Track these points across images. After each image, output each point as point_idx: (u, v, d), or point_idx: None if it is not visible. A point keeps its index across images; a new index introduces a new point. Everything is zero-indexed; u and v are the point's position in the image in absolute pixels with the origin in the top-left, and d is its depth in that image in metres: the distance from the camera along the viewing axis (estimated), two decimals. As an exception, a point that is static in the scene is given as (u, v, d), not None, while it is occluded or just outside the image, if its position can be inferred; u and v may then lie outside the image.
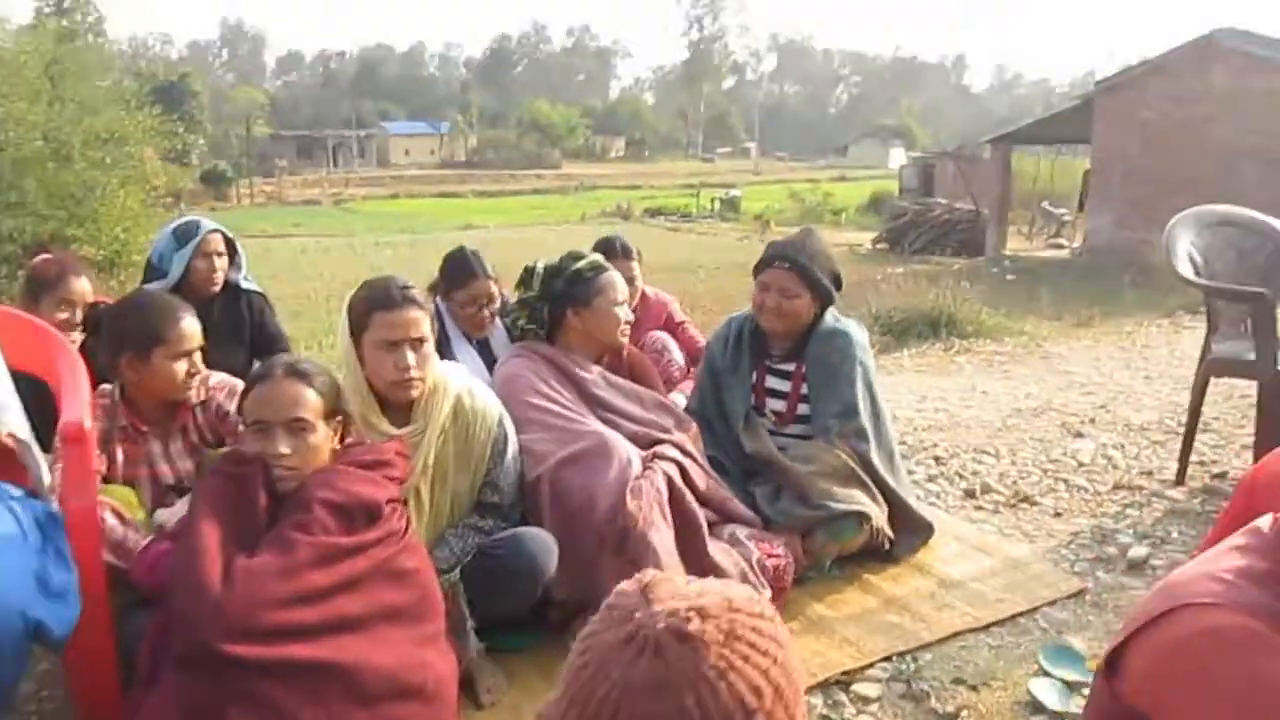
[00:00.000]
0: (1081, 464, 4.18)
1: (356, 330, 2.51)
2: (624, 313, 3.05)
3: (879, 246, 23.33)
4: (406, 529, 2.23)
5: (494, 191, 53.69)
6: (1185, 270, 3.69)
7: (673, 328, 4.18)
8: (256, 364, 3.92)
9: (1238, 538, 1.51)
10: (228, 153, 52.04)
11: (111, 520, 2.27)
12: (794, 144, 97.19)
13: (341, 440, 2.34)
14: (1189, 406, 3.91)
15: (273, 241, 28.82)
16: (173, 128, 18.04)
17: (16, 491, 2.05)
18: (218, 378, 2.74)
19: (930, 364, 6.23)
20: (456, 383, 2.64)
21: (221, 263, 3.78)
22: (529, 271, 3.11)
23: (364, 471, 2.22)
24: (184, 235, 3.71)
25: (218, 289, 3.78)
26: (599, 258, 3.13)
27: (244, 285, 3.92)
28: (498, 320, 3.92)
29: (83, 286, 3.24)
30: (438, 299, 3.79)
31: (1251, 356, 3.54)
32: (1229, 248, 3.89)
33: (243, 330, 3.87)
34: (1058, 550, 3.33)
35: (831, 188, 41.86)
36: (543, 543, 2.50)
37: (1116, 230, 18.15)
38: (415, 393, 2.52)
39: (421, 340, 2.50)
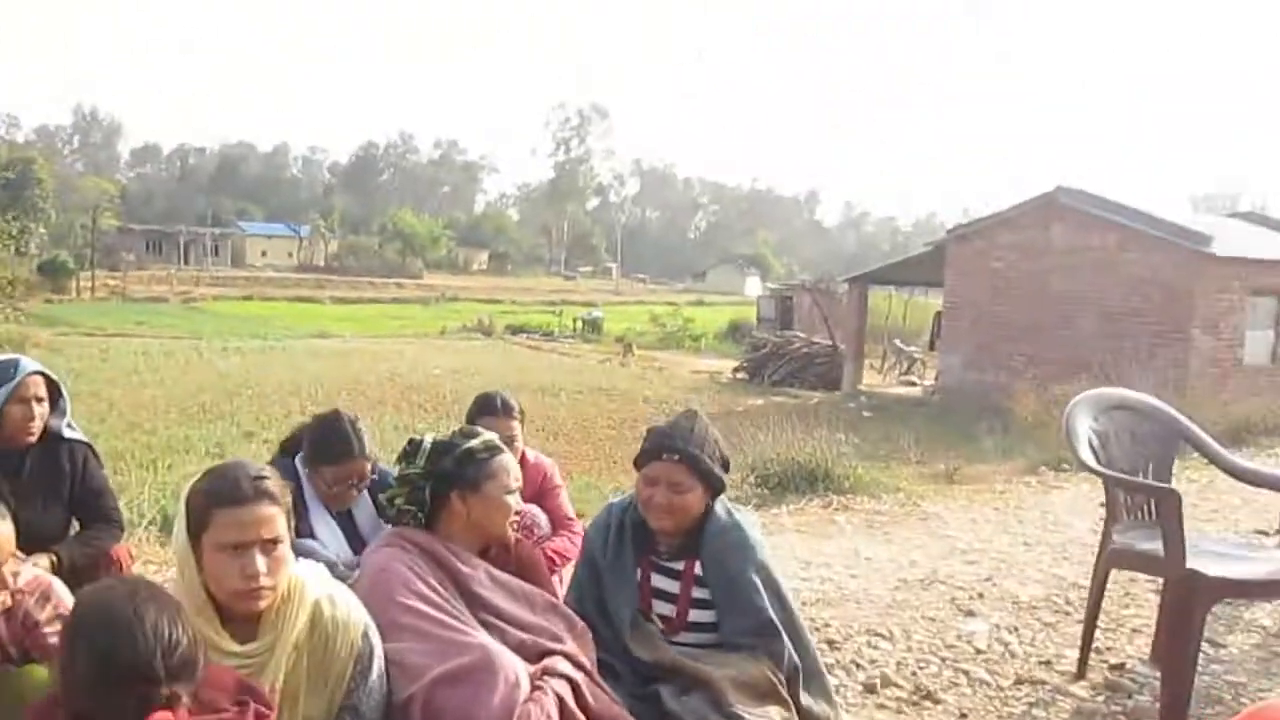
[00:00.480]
0: (979, 650, 3.99)
1: (195, 529, 2.09)
2: (515, 501, 2.69)
3: (739, 376, 23.67)
4: None
5: (352, 299, 52.69)
6: (1088, 457, 3.60)
7: (545, 492, 3.84)
8: (75, 525, 3.43)
9: None
10: (71, 243, 49.62)
11: None
12: (654, 266, 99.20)
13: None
14: (1089, 599, 3.77)
15: (112, 340, 27.34)
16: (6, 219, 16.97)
17: None
18: (27, 576, 2.28)
19: (810, 523, 6.04)
20: (314, 588, 2.24)
21: (41, 409, 3.28)
22: (414, 445, 2.73)
23: None
24: (-2, 376, 3.22)
25: (34, 439, 3.28)
26: (494, 437, 2.76)
27: (66, 434, 3.42)
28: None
29: None
30: (298, 463, 3.37)
31: (1155, 548, 3.43)
32: (1124, 431, 3.84)
33: (61, 486, 3.35)
34: (969, 762, 3.08)
35: (691, 312, 42.64)
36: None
37: (965, 371, 18.86)
38: (264, 604, 2.11)
39: (275, 541, 2.10)
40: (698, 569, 2.88)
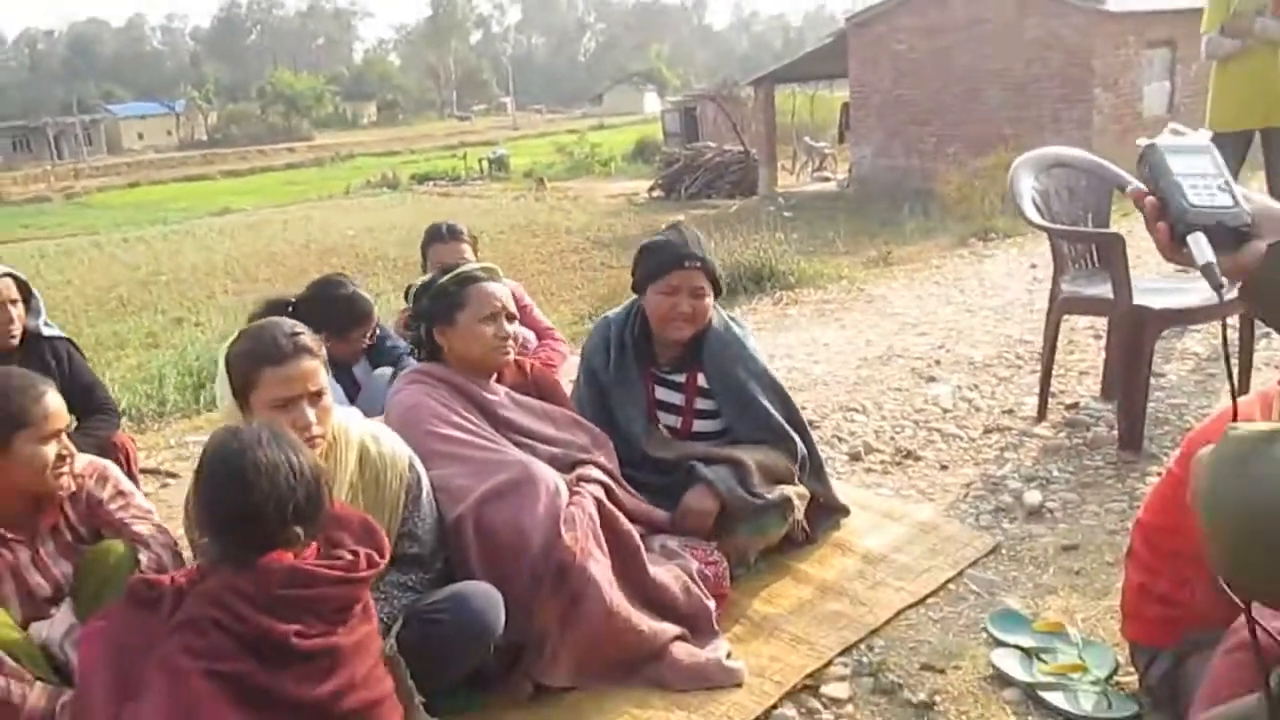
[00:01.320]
0: (946, 410, 4.28)
1: (242, 389, 2.18)
2: (499, 327, 2.70)
3: (655, 195, 23.60)
4: (348, 660, 1.84)
5: (244, 170, 50.77)
6: (1033, 214, 3.79)
7: (519, 310, 3.95)
8: (71, 420, 3.46)
9: None
10: (-72, 152, 46.63)
11: (-13, 674, 1.89)
12: (547, 96, 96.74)
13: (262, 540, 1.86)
14: (1045, 345, 4.05)
15: (3, 248, 26.13)
16: None
17: None
18: (83, 461, 2.36)
19: (765, 320, 6.27)
20: (358, 429, 2.36)
21: (17, 311, 3.26)
22: (407, 290, 2.82)
23: (271, 603, 1.78)
24: (-35, 286, 3.17)
25: (16, 341, 3.27)
26: (471, 268, 2.82)
27: (45, 332, 3.41)
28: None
29: None
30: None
31: (1101, 291, 3.68)
32: (1063, 188, 4.04)
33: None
34: (957, 506, 3.38)
35: (595, 137, 41.95)
36: (489, 598, 2.27)
37: (877, 160, 19.07)
38: (317, 451, 2.22)
39: (319, 393, 2.20)
40: (700, 380, 3.04)
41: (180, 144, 66.79)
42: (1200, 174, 1.21)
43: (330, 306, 3.37)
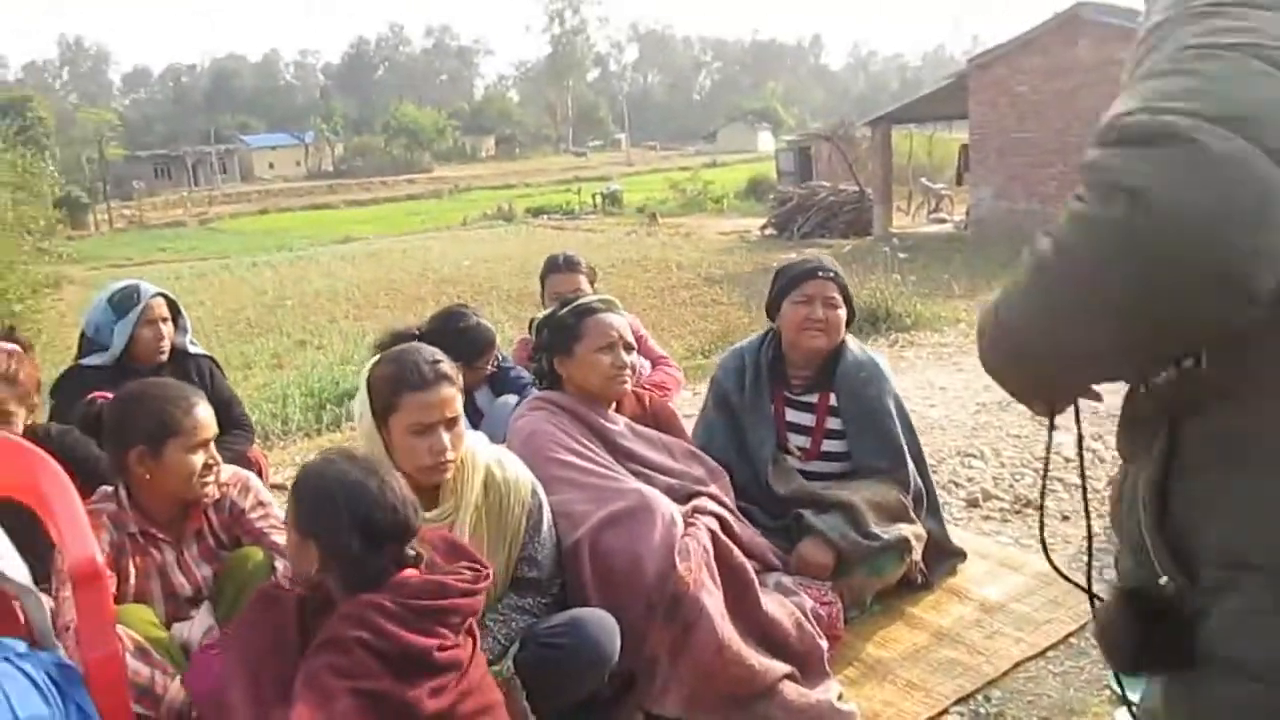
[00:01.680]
0: (1068, 459, 4.16)
1: (382, 411, 2.27)
2: (616, 357, 2.77)
3: (768, 233, 23.54)
4: (467, 670, 1.91)
5: (365, 200, 52.48)
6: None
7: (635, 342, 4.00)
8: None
9: None
10: (79, 178, 49.42)
11: (133, 662, 1.99)
12: (662, 132, 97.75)
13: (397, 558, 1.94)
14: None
15: (141, 270, 27.48)
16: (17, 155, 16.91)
17: (20, 646, 1.77)
18: (228, 472, 2.48)
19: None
20: (484, 454, 2.42)
21: (168, 329, 3.46)
22: (530, 322, 2.90)
23: (413, 617, 1.85)
24: (123, 303, 3.38)
25: (165, 357, 3.46)
26: (590, 300, 2.90)
27: (191, 349, 3.60)
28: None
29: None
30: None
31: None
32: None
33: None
34: (1079, 557, 3.28)
35: (708, 174, 42.14)
36: (605, 625, 2.30)
37: (996, 201, 18.70)
38: (449, 475, 2.30)
39: (455, 419, 2.28)
40: (832, 400, 3.06)
41: (308, 174, 69.49)
42: None
43: (455, 337, 3.46)
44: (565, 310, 2.85)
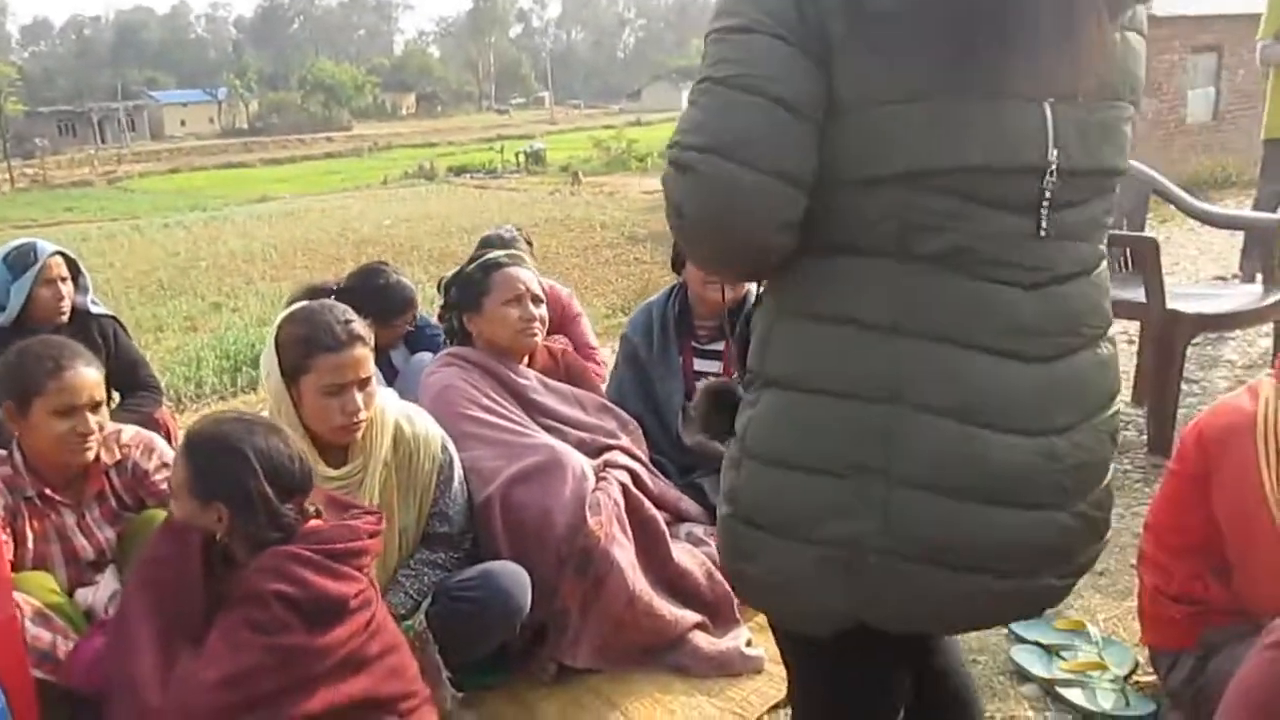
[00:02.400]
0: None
1: (292, 372, 2.24)
2: (524, 310, 2.78)
3: (691, 191, 23.57)
4: (372, 617, 1.96)
5: (283, 158, 51.22)
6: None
7: (568, 321, 3.96)
8: (115, 395, 3.55)
9: None
10: (-23, 135, 47.44)
11: (33, 628, 1.96)
12: (586, 91, 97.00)
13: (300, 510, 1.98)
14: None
15: (47, 231, 26.38)
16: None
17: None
18: (130, 432, 2.43)
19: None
20: (393, 410, 2.41)
21: (67, 288, 3.37)
22: (439, 282, 2.89)
23: (330, 563, 1.89)
24: (19, 262, 3.28)
25: (65, 318, 3.37)
26: (496, 255, 2.89)
27: (93, 310, 3.51)
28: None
29: None
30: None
31: (1134, 295, 3.68)
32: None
33: (97, 360, 3.45)
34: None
35: (632, 133, 41.96)
36: (516, 578, 2.32)
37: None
38: (359, 434, 2.29)
39: (368, 380, 2.27)
40: (738, 348, 3.10)
41: (222, 131, 67.59)
42: None
43: (374, 295, 3.42)
44: (472, 266, 2.84)
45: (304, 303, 2.36)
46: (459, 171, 35.44)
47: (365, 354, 2.26)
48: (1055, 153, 1.17)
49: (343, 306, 2.34)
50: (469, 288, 2.77)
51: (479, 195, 28.37)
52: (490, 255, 2.84)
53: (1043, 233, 1.20)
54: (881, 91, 1.14)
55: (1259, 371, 4.52)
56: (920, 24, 1.12)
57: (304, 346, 2.22)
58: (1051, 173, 1.18)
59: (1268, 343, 4.76)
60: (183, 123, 69.83)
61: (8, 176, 42.88)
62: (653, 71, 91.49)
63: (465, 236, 17.84)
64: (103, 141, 58.66)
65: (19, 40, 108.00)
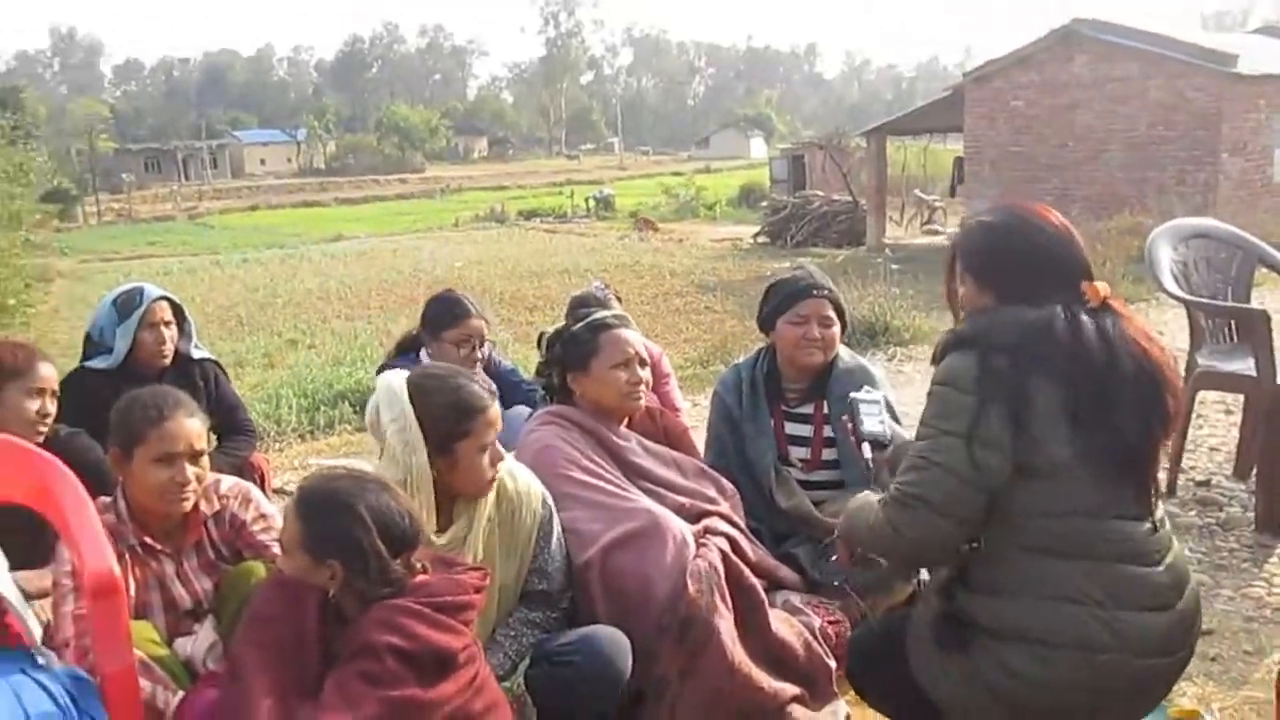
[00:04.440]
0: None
1: (443, 443, 2.26)
2: (632, 373, 2.78)
3: (761, 240, 23.59)
4: (477, 673, 1.97)
5: (357, 199, 52.41)
6: (1172, 286, 3.71)
7: (658, 380, 3.89)
8: (212, 438, 3.61)
9: None
10: (69, 170, 49.14)
11: (141, 680, 1.97)
12: (655, 137, 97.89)
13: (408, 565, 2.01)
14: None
15: (131, 264, 27.36)
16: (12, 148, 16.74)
17: (39, 659, 1.76)
18: (229, 483, 2.45)
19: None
20: (497, 467, 2.42)
21: (170, 333, 3.44)
22: (540, 337, 2.89)
23: (440, 616, 1.91)
24: (126, 306, 3.36)
25: (168, 361, 3.44)
26: (602, 316, 2.89)
27: (195, 354, 3.58)
28: (483, 375, 3.71)
29: (50, 372, 2.87)
30: (422, 351, 3.58)
31: (1241, 368, 3.58)
32: (1201, 259, 3.94)
33: (199, 404, 3.50)
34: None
35: (701, 180, 42.22)
36: (618, 644, 2.29)
37: (989, 215, 18.71)
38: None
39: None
40: (825, 408, 3.06)
41: (299, 171, 69.35)
42: (874, 412, 2.35)
43: (431, 304, 3.61)
44: (580, 325, 2.84)
45: (430, 374, 2.38)
46: (529, 215, 35.93)
47: (497, 414, 2.33)
48: None
49: (473, 373, 2.41)
50: (577, 347, 2.78)
51: (549, 239, 28.72)
52: (599, 315, 2.85)
53: None
54: None
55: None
56: None
57: (455, 412, 2.27)
58: None
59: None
60: (262, 162, 71.82)
61: (96, 210, 44.36)
62: (721, 120, 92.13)
63: (536, 280, 18.06)
64: (186, 178, 60.43)
65: (111, 80, 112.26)
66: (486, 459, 2.28)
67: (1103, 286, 2.00)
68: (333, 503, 1.93)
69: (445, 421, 2.25)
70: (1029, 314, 1.94)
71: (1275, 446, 3.44)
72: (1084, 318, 1.93)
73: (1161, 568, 1.94)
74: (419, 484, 2.22)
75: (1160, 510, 2.02)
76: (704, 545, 2.57)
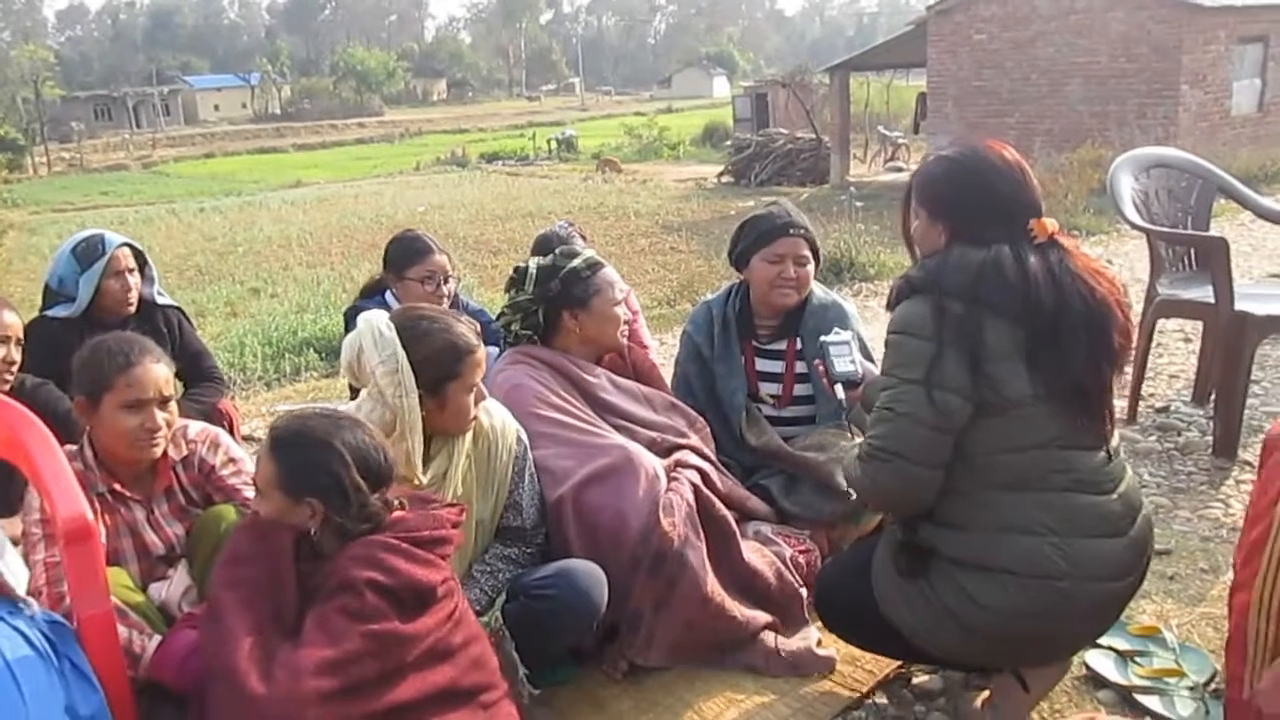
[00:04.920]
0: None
1: (437, 382, 2.27)
2: (623, 311, 2.86)
3: (725, 180, 23.47)
4: (456, 607, 1.99)
5: (315, 144, 51.49)
6: (1133, 216, 3.74)
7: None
8: (179, 385, 3.58)
9: None
10: (14, 119, 47.82)
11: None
12: (616, 77, 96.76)
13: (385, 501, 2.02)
14: (1137, 348, 4.00)
15: (85, 214, 26.78)
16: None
17: (22, 606, 1.76)
18: (196, 428, 2.44)
19: (845, 311, 6.24)
20: (473, 404, 2.42)
21: (135, 279, 3.39)
22: (520, 272, 2.87)
23: (417, 550, 1.92)
24: (87, 254, 3.30)
25: (133, 309, 3.39)
26: (593, 254, 2.91)
27: (159, 300, 3.54)
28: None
29: (14, 319, 2.83)
30: (388, 293, 3.56)
31: (1200, 295, 3.63)
32: (1162, 189, 3.98)
33: (164, 351, 3.48)
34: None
35: (663, 120, 41.81)
36: (594, 577, 2.32)
37: (952, 151, 18.72)
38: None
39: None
40: (798, 345, 3.08)
41: (255, 116, 67.96)
42: (844, 354, 2.44)
43: (392, 244, 3.59)
44: (579, 262, 2.82)
45: (419, 316, 2.36)
46: (491, 158, 35.46)
47: (482, 358, 2.35)
48: None
49: (459, 315, 2.42)
50: (577, 284, 2.78)
51: (511, 182, 28.39)
52: (588, 253, 2.86)
53: None
54: None
55: (1322, 372, 4.46)
56: None
57: (451, 354, 2.27)
58: None
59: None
60: (216, 107, 70.30)
61: (45, 160, 43.28)
62: (683, 59, 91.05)
63: (500, 223, 17.88)
64: (137, 126, 59.09)
65: (55, 25, 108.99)
66: (472, 398, 2.30)
67: (1050, 223, 2.04)
68: (309, 440, 1.93)
69: (438, 364, 2.26)
70: (978, 255, 1.98)
71: (1232, 372, 3.52)
72: (1032, 257, 1.98)
73: (1115, 496, 2.02)
74: (411, 425, 2.22)
75: (1115, 440, 2.08)
76: (675, 479, 2.60)
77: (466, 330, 2.33)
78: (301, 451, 1.91)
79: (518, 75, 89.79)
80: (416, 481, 2.23)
